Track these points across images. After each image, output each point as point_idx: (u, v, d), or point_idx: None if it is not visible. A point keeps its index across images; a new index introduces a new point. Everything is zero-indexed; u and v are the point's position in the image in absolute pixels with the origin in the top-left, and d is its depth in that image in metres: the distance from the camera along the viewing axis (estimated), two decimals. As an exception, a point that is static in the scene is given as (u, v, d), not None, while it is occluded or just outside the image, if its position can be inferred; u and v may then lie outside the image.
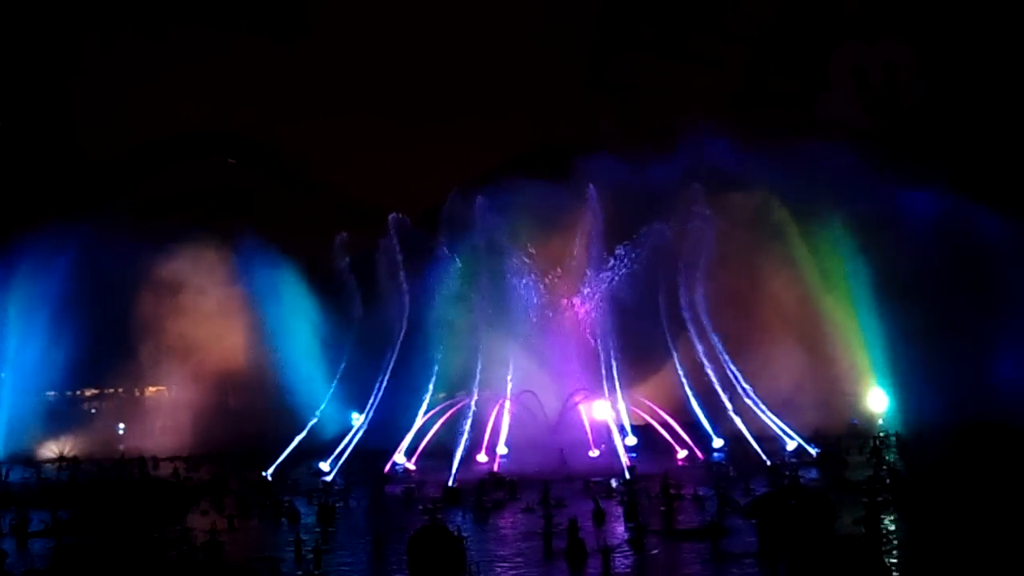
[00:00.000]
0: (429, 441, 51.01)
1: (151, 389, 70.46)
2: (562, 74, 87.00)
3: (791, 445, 48.44)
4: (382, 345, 57.84)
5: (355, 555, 28.52)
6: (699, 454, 48.19)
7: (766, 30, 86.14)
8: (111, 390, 71.35)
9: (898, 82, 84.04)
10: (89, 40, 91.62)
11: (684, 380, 52.92)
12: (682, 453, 48.70)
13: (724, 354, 53.30)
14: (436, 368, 55.54)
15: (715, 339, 53.51)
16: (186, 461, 53.89)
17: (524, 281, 60.97)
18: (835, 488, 34.93)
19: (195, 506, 37.78)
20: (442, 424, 52.02)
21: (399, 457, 48.59)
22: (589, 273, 60.16)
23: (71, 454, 58.53)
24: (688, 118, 68.86)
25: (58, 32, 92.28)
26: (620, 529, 30.60)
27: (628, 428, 51.48)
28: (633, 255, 60.33)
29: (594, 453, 49.99)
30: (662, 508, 32.87)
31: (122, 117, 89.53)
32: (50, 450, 59.70)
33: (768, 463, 43.61)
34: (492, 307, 58.59)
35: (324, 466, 47.47)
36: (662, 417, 51.80)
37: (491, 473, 42.88)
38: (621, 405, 52.43)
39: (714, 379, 52.02)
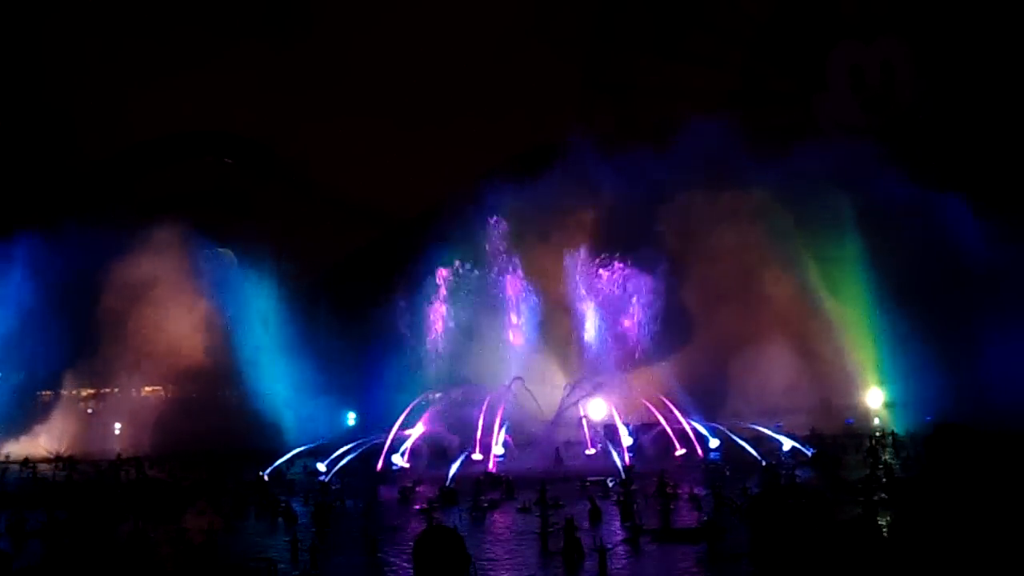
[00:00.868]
0: (424, 439, 51.01)
1: (147, 389, 70.47)
2: (559, 74, 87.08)
3: (787, 445, 48.41)
4: (373, 345, 58.09)
5: (351, 555, 28.52)
6: (699, 452, 48.21)
7: (763, 30, 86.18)
8: (107, 389, 71.31)
9: (895, 81, 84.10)
10: (88, 40, 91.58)
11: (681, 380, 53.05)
12: (680, 451, 48.70)
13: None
14: (430, 366, 55.68)
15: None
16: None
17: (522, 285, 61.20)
18: (831, 488, 34.94)
19: (192, 506, 37.75)
20: (430, 421, 51.90)
21: (396, 458, 48.59)
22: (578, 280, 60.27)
23: (67, 454, 58.46)
24: (686, 118, 69.01)
25: (58, 32, 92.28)
26: (616, 529, 30.60)
27: (620, 426, 51.50)
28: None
29: (590, 451, 50.03)
30: (658, 508, 32.86)
31: (121, 117, 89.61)
32: (45, 449, 59.65)
33: (764, 463, 43.61)
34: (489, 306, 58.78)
35: (321, 466, 47.46)
36: (668, 413, 51.76)
37: (487, 473, 42.88)
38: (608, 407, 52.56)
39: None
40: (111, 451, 57.35)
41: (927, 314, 57.06)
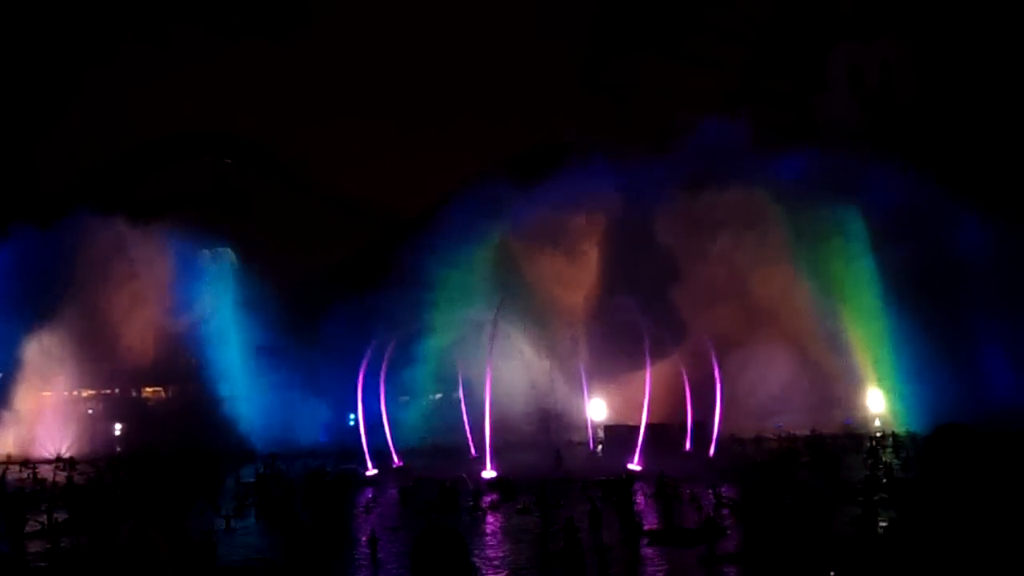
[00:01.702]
0: (426, 440, 51.13)
1: (148, 390, 70.49)
2: (559, 75, 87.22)
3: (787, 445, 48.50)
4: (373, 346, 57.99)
5: (351, 555, 28.51)
6: (698, 452, 48.26)
7: (763, 30, 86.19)
8: (107, 391, 71.32)
9: (894, 81, 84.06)
10: (89, 41, 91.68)
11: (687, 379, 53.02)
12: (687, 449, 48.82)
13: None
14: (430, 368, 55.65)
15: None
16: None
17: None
18: (830, 488, 34.95)
19: (192, 507, 37.79)
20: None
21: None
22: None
23: (67, 455, 58.50)
24: (685, 118, 69.06)
25: (59, 33, 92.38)
26: (616, 529, 30.59)
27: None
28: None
29: (591, 452, 50.10)
30: (659, 508, 32.86)
31: (122, 118, 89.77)
32: (46, 450, 59.70)
33: (763, 463, 43.61)
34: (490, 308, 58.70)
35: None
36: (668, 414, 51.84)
37: (487, 474, 42.87)
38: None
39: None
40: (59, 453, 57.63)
41: (929, 315, 57.14)
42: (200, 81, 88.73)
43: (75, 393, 70.43)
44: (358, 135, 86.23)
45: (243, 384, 63.76)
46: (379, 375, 53.93)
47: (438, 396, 59.20)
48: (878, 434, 55.58)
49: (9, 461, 56.33)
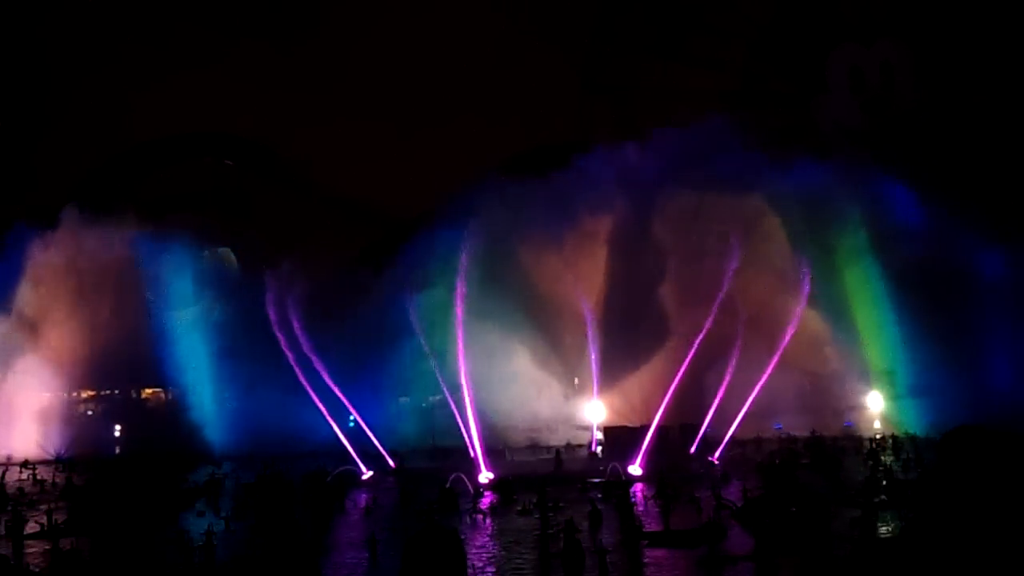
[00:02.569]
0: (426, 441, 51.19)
1: (147, 391, 70.40)
2: (559, 76, 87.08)
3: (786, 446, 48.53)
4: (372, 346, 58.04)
5: (351, 556, 28.50)
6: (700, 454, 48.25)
7: (763, 31, 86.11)
8: (106, 392, 71.24)
9: (895, 83, 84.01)
10: (90, 42, 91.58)
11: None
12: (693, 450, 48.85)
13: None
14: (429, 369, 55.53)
15: None
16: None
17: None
18: (831, 490, 34.94)
19: (191, 508, 37.81)
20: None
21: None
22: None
23: (67, 456, 58.48)
24: (685, 119, 69.03)
25: (60, 34, 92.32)
26: (616, 531, 30.58)
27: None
28: None
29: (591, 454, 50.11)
30: (658, 510, 32.85)
31: (122, 119, 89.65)
32: (46, 451, 59.62)
33: (764, 465, 43.59)
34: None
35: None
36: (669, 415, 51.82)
37: (484, 476, 42.84)
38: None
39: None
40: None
41: (932, 320, 57.20)
42: (200, 82, 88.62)
43: (74, 394, 70.40)
44: (358, 135, 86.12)
45: (214, 387, 63.42)
46: (379, 376, 54.05)
47: (437, 397, 59.07)
48: (878, 436, 55.56)
49: (8, 462, 56.32)
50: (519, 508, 35.06)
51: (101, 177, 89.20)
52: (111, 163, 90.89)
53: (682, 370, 53.24)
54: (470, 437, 47.78)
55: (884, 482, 35.91)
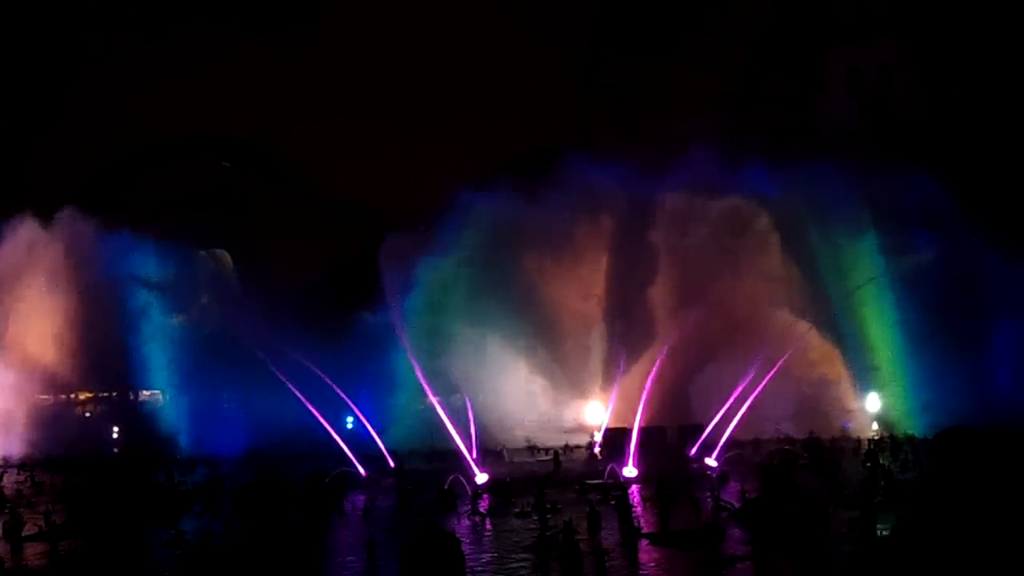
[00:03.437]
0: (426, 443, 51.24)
1: (145, 393, 70.34)
2: (557, 77, 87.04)
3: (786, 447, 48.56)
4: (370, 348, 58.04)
5: (351, 558, 28.50)
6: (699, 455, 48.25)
7: (761, 32, 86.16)
8: (104, 394, 71.23)
9: (893, 84, 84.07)
10: (88, 42, 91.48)
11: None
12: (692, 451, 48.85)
13: None
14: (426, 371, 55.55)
15: None
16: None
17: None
18: (829, 491, 34.95)
19: (190, 509, 37.82)
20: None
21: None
22: None
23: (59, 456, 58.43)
24: (683, 120, 69.16)
25: (58, 34, 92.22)
26: (615, 532, 30.60)
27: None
28: None
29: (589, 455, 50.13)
30: (657, 511, 32.86)
31: (120, 120, 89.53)
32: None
33: (762, 466, 43.59)
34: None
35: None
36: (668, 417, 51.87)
37: (480, 478, 42.82)
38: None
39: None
40: None
41: (931, 321, 57.31)
42: (199, 81, 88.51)
43: (73, 396, 70.42)
44: (357, 135, 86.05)
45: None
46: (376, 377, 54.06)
47: (436, 398, 59.08)
48: (876, 437, 55.59)
49: (6, 464, 56.35)
50: (517, 510, 35.07)
51: (100, 178, 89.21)
52: (110, 164, 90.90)
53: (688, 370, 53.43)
54: (465, 439, 47.87)
55: (882, 483, 35.91)
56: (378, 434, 51.82)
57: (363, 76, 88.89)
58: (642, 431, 51.45)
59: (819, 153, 67.05)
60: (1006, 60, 79.73)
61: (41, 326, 63.59)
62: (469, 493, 37.81)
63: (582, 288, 63.34)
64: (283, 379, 49.37)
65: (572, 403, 60.58)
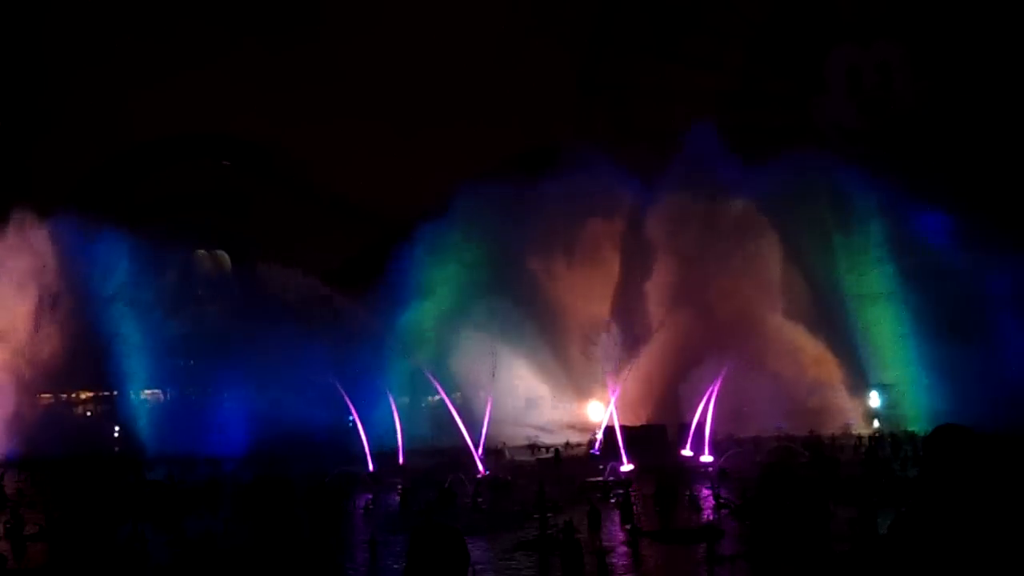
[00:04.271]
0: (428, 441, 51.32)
1: (146, 392, 70.35)
2: (558, 76, 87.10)
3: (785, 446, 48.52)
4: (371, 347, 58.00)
5: (352, 557, 28.50)
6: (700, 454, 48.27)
7: (761, 31, 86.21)
8: (105, 392, 71.22)
9: (892, 84, 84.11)
10: (88, 42, 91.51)
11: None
12: (686, 452, 48.82)
13: None
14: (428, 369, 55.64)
15: None
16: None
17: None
18: (829, 488, 34.92)
19: (190, 509, 37.77)
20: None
21: None
22: None
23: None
24: (683, 120, 69.18)
25: (57, 34, 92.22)
26: (616, 530, 30.60)
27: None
28: None
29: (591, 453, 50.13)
30: (657, 509, 32.87)
31: (120, 119, 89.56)
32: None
33: (762, 464, 43.57)
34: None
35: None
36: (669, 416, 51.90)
37: (486, 474, 42.88)
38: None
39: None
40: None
41: (935, 317, 57.33)
42: (199, 82, 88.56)
43: (73, 395, 70.45)
44: (357, 135, 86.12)
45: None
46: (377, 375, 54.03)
47: (435, 398, 59.17)
48: (877, 435, 55.60)
49: (6, 464, 56.30)
50: (517, 508, 35.06)
51: (99, 178, 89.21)
52: (109, 164, 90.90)
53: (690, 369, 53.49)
54: (473, 436, 48.06)
55: (882, 481, 35.90)
56: (380, 432, 51.85)
57: (363, 76, 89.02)
58: (643, 429, 51.63)
59: (819, 153, 67.04)
60: (1006, 60, 79.76)
61: (28, 324, 63.58)
62: (470, 490, 37.80)
63: (588, 290, 63.41)
64: (304, 381, 49.52)
65: (574, 403, 60.65)
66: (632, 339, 59.14)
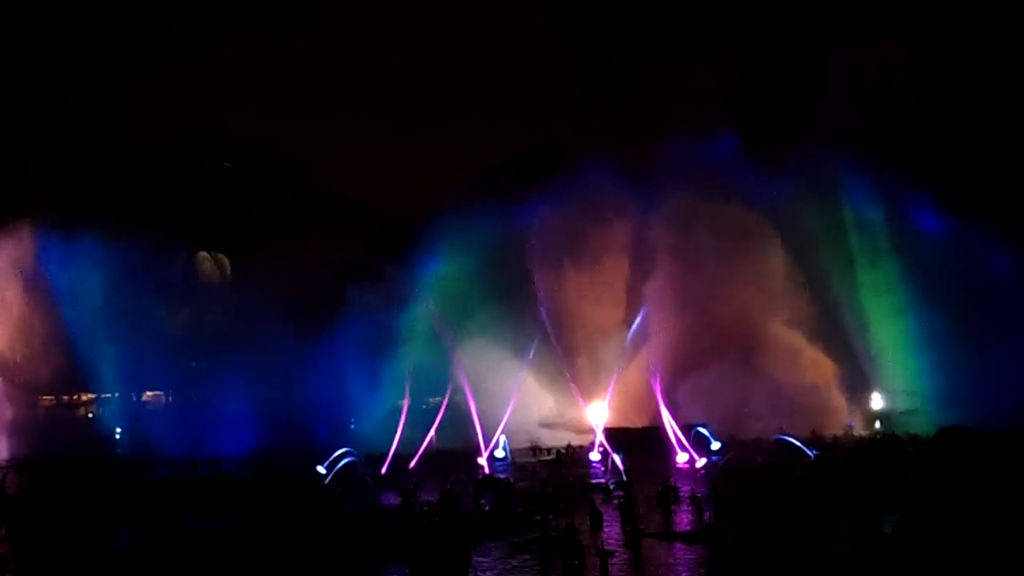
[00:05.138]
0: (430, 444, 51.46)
1: (148, 394, 70.39)
2: (558, 77, 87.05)
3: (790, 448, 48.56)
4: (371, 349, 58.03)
5: (350, 557, 28.44)
6: (695, 456, 48.21)
7: (762, 32, 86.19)
8: (107, 395, 71.18)
9: (894, 84, 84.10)
10: (86, 41, 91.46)
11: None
12: (682, 456, 48.72)
13: None
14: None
15: None
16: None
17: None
18: (831, 489, 34.91)
19: (192, 509, 37.73)
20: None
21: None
22: None
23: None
24: (684, 120, 69.20)
25: (56, 34, 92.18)
26: (617, 532, 30.57)
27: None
28: None
29: (594, 456, 50.19)
30: (659, 511, 32.84)
31: (120, 121, 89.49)
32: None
33: (764, 465, 43.53)
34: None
35: (320, 469, 47.38)
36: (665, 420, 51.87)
37: (487, 476, 42.85)
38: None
39: None
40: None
41: (938, 320, 57.34)
42: (199, 82, 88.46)
43: (75, 397, 70.45)
44: (357, 135, 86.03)
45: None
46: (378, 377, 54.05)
47: (436, 399, 59.11)
48: (879, 436, 55.58)
49: (7, 466, 56.26)
50: (519, 509, 35.04)
51: (99, 179, 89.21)
52: (109, 165, 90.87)
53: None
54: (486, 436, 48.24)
55: (884, 482, 35.85)
56: (381, 433, 51.88)
57: (363, 75, 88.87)
58: (646, 430, 51.68)
59: (820, 153, 67.02)
60: (1006, 60, 79.76)
61: (27, 328, 63.64)
62: (472, 492, 37.77)
63: (595, 295, 63.35)
64: (306, 383, 49.56)
65: (577, 406, 60.63)
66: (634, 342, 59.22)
